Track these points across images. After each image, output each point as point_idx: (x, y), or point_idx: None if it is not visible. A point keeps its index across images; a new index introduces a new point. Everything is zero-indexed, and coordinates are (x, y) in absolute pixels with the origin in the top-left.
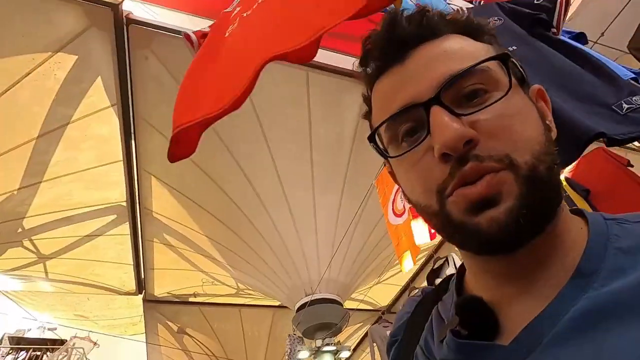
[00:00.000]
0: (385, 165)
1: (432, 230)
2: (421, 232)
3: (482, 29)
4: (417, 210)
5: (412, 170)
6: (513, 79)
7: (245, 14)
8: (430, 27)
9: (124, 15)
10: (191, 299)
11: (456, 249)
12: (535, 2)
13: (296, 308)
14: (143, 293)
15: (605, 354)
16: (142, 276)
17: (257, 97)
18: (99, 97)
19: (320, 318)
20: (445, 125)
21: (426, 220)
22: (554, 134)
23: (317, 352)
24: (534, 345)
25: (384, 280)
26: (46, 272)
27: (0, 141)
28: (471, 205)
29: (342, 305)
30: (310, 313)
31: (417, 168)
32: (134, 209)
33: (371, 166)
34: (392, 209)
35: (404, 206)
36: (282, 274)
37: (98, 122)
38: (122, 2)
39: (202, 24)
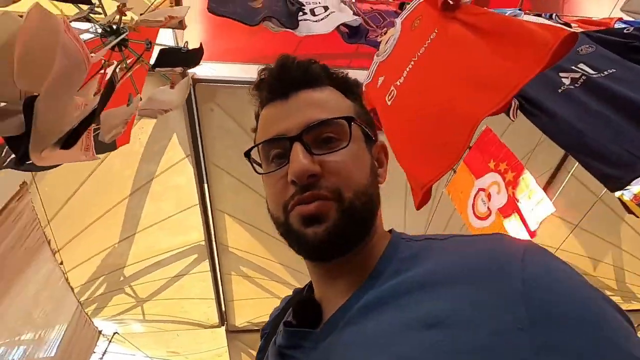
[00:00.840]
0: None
1: (533, 229)
2: (518, 230)
3: (352, 89)
4: (272, 220)
5: (273, 187)
6: (358, 134)
7: (399, 82)
8: (313, 76)
9: (190, 77)
10: None
11: None
12: (625, 31)
13: None
14: (225, 324)
15: (378, 327)
16: (224, 308)
17: None
18: (175, 151)
19: None
20: (298, 160)
21: (277, 229)
22: (381, 179)
23: None
24: (334, 328)
25: None
26: (143, 314)
27: (100, 204)
28: (303, 219)
29: None
30: None
31: (276, 186)
32: (212, 247)
33: None
34: (474, 212)
35: (488, 208)
36: None
37: (176, 173)
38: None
39: (254, 70)
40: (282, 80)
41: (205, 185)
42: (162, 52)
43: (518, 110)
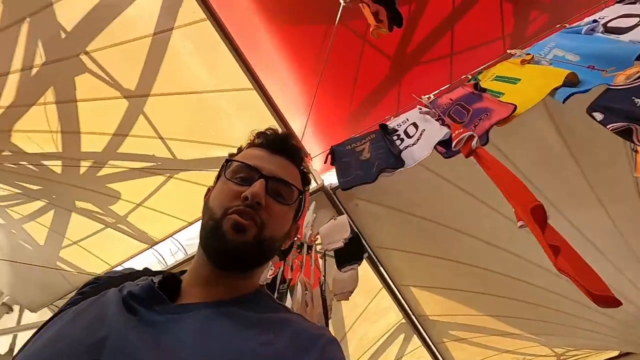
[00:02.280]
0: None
1: None
2: None
3: (307, 180)
4: (205, 212)
5: (225, 192)
6: (295, 206)
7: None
8: (295, 156)
9: (329, 188)
10: None
11: None
12: None
13: None
14: None
15: (218, 332)
16: None
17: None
18: None
19: None
20: (258, 189)
21: (204, 222)
22: (285, 244)
23: None
24: (187, 311)
25: None
26: None
27: None
28: (234, 225)
29: None
30: None
31: (228, 193)
32: (413, 322)
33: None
34: None
35: None
36: (600, 316)
37: None
38: (323, 184)
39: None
40: (279, 143)
41: (381, 268)
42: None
43: None
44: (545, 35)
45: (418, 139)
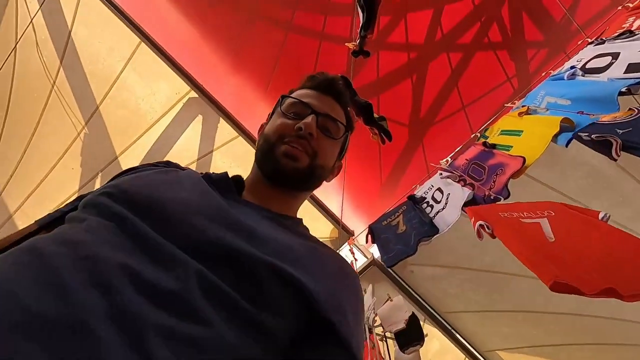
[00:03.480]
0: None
1: None
2: None
3: (352, 119)
4: (261, 137)
5: (280, 123)
6: (342, 141)
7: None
8: (343, 97)
9: (381, 261)
10: None
11: None
12: None
13: None
14: None
15: (266, 229)
16: None
17: None
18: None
19: None
20: (311, 123)
21: (260, 146)
22: (330, 177)
23: None
24: (247, 205)
25: None
26: None
27: None
28: (286, 153)
29: None
30: None
31: (283, 124)
32: None
33: None
34: None
35: None
36: None
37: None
38: (373, 257)
39: None
40: (328, 85)
41: (458, 336)
42: None
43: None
44: (550, 66)
45: (446, 203)
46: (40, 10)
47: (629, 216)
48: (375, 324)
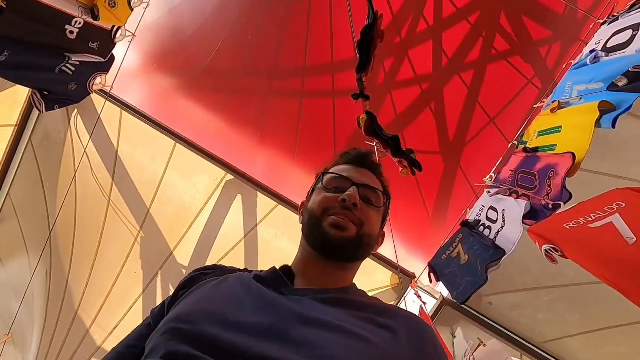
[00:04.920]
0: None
1: None
2: None
3: (382, 177)
4: (306, 214)
5: (323, 198)
6: (383, 210)
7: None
8: (376, 169)
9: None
10: None
11: None
12: None
13: None
14: None
15: (329, 312)
16: None
17: None
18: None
19: None
20: (354, 194)
21: (306, 222)
22: (376, 247)
23: None
24: (304, 294)
25: None
26: None
27: None
28: (333, 224)
29: None
30: None
31: (325, 198)
32: None
33: None
34: None
35: None
36: None
37: None
38: (442, 296)
39: None
40: (362, 158)
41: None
42: None
43: None
44: (569, 56)
45: (504, 221)
46: (90, 140)
47: None
48: None
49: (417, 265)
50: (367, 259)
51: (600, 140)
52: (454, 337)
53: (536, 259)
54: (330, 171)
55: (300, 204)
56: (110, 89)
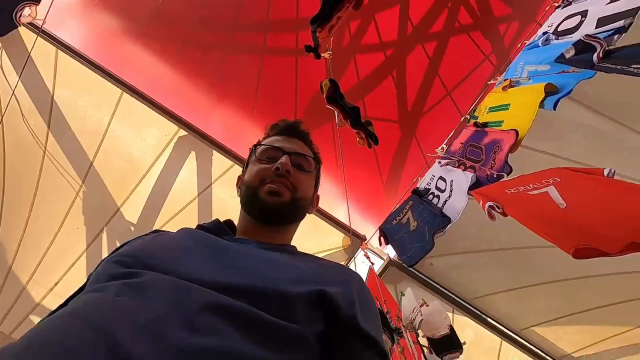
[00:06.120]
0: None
1: None
2: None
3: (312, 145)
4: (243, 186)
5: (257, 168)
6: (315, 174)
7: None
8: (303, 133)
9: (397, 259)
10: None
11: None
12: None
13: None
14: None
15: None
16: None
17: None
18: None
19: None
20: (286, 161)
21: (244, 193)
22: (310, 210)
23: None
24: (242, 242)
25: None
26: None
27: None
28: (269, 192)
29: None
30: None
31: (261, 168)
32: None
33: None
34: None
35: None
36: None
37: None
38: (389, 258)
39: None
40: (292, 129)
41: (490, 320)
42: None
43: None
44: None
45: (451, 191)
46: (20, 81)
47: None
48: (417, 328)
49: (368, 228)
50: (321, 221)
51: (543, 120)
52: (403, 295)
53: (474, 227)
54: (262, 143)
55: (237, 178)
56: (43, 24)
